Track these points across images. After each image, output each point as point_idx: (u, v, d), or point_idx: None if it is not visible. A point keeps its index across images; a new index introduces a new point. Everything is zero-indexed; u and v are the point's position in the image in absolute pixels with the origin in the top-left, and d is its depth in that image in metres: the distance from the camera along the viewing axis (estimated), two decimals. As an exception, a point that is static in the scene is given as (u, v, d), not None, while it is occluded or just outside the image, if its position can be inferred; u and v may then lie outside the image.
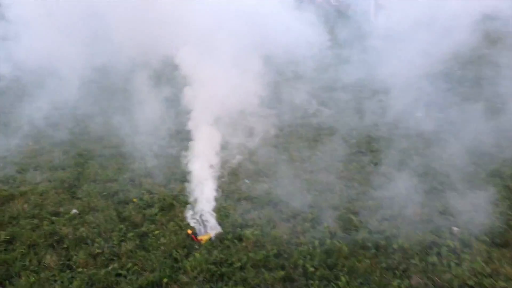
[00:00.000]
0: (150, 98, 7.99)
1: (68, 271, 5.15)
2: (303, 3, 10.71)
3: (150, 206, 6.51)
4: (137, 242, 5.64)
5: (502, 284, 4.91)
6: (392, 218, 6.08)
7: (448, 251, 5.38)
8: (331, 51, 11.00)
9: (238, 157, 7.00)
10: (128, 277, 5.06)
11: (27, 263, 5.26)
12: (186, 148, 6.32)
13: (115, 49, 7.26)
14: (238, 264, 5.19)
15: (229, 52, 6.02)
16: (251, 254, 5.32)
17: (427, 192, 6.70)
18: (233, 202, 6.59)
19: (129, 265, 5.21)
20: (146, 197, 6.74)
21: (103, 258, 5.35)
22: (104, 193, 6.86)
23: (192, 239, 5.65)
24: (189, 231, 5.74)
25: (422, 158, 7.81)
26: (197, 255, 5.33)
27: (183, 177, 6.81)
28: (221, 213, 6.21)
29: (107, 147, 8.65)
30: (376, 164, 7.75)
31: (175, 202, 6.50)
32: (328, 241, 5.56)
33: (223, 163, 6.47)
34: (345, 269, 5.13)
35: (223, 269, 5.12)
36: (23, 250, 5.47)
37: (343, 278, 4.98)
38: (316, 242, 5.53)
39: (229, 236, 5.70)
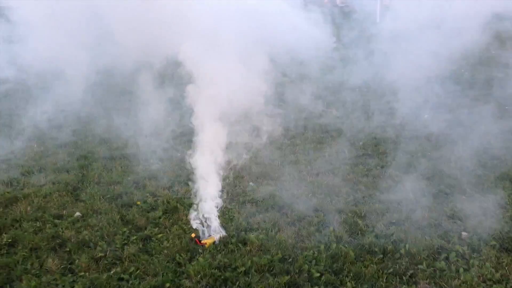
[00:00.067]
0: (154, 99, 7.93)
1: (70, 275, 5.08)
2: (309, 4, 10.66)
3: (154, 209, 6.43)
4: (140, 245, 5.56)
5: (512, 290, 4.81)
6: (399, 222, 5.98)
7: (457, 257, 5.26)
8: (337, 52, 10.94)
9: (242, 158, 6.92)
10: (131, 282, 4.98)
11: (28, 266, 5.18)
12: (191, 148, 6.22)
13: (119, 50, 7.19)
14: (242, 269, 5.10)
15: (234, 50, 5.95)
16: (255, 259, 5.23)
17: (435, 196, 6.60)
18: (237, 205, 6.51)
19: (132, 269, 5.13)
20: (150, 200, 6.68)
21: (106, 262, 5.27)
22: (108, 196, 6.79)
23: (195, 243, 5.57)
24: (193, 235, 5.66)
25: (430, 160, 7.72)
26: (200, 259, 5.25)
27: (188, 179, 6.75)
28: (226, 216, 6.14)
29: (111, 149, 8.60)
30: (383, 166, 7.65)
31: (179, 205, 6.42)
32: (334, 245, 5.46)
33: (228, 164, 6.38)
34: (351, 274, 5.02)
35: (227, 274, 5.03)
36: (25, 254, 5.40)
37: (349, 284, 4.88)
38: (322, 247, 5.44)
39: (233, 240, 5.61)
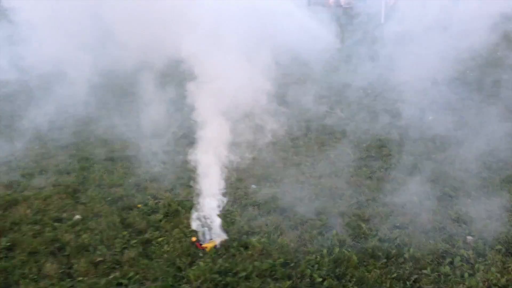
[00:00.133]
0: (156, 101, 7.86)
1: (68, 279, 5.00)
2: (313, 5, 10.59)
3: (154, 212, 6.36)
4: (140, 249, 5.49)
5: (518, 296, 4.72)
6: (403, 226, 5.89)
7: (462, 261, 5.17)
8: (341, 53, 10.87)
9: (245, 159, 6.83)
10: (130, 287, 4.90)
11: (26, 271, 5.11)
12: (192, 147, 6.10)
13: (121, 50, 7.13)
14: (244, 274, 5.02)
15: (236, 49, 5.86)
16: (256, 263, 5.15)
17: (440, 199, 6.51)
18: (239, 207, 6.43)
19: (131, 273, 5.05)
20: (151, 202, 6.60)
21: (105, 266, 5.19)
22: (109, 198, 6.72)
23: (196, 246, 5.49)
24: (194, 239, 5.58)
25: (434, 163, 7.63)
26: (201, 263, 5.17)
27: (189, 180, 6.67)
28: (227, 219, 6.05)
29: (113, 151, 8.54)
30: (387, 169, 7.56)
31: (180, 208, 6.35)
32: (336, 249, 5.37)
33: (230, 164, 6.29)
34: (354, 279, 4.94)
35: (228, 279, 4.95)
36: (23, 258, 5.33)
37: (351, 289, 4.81)
38: (324, 251, 5.35)
39: (235, 244, 5.53)
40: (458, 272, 5.00)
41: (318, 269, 5.08)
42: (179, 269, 5.15)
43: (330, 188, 6.93)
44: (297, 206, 6.35)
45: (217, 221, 5.75)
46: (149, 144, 8.17)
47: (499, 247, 5.39)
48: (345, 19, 14.20)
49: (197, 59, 5.74)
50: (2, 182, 7.26)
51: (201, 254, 5.37)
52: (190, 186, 6.58)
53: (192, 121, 5.95)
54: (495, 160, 7.58)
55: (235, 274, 5.04)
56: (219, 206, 5.92)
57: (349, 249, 5.39)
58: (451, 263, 5.16)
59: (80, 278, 5.01)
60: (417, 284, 4.89)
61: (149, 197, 6.77)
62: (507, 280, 4.89)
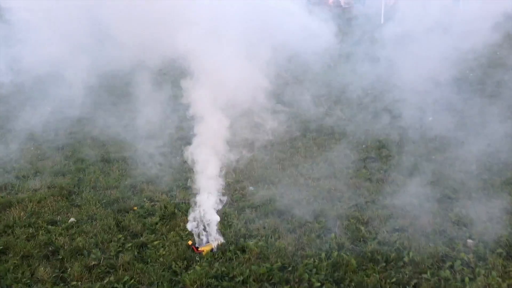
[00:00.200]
0: (153, 102, 7.78)
1: (62, 284, 4.91)
2: (313, 5, 10.50)
3: (151, 214, 6.27)
4: (136, 253, 5.39)
5: (520, 300, 4.63)
6: (402, 229, 5.81)
7: (462, 265, 5.07)
8: (340, 53, 10.78)
9: (242, 161, 6.73)
10: (124, 291, 4.83)
11: (19, 275, 5.01)
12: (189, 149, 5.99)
13: (117, 49, 7.03)
14: (240, 278, 4.93)
15: (235, 48, 5.77)
16: (254, 267, 5.06)
17: (440, 201, 6.42)
18: (236, 210, 6.34)
19: (126, 278, 4.95)
20: (147, 205, 6.52)
21: (99, 270, 5.09)
22: (104, 201, 6.63)
23: (192, 250, 5.40)
24: (190, 242, 5.49)
25: (434, 164, 7.54)
26: (197, 268, 5.08)
27: (186, 183, 6.58)
28: (224, 222, 5.96)
29: (109, 152, 8.44)
30: (386, 170, 7.47)
31: (176, 211, 6.26)
32: (335, 253, 5.28)
33: (227, 167, 6.18)
34: (353, 284, 4.85)
35: (224, 284, 4.86)
36: (16, 261, 5.23)
37: (350, 294, 4.72)
38: (323, 255, 5.26)
39: (232, 247, 5.44)
40: (458, 277, 4.91)
41: (316, 273, 4.99)
42: (175, 273, 5.06)
43: (329, 190, 6.84)
44: (295, 208, 6.26)
45: (214, 224, 5.65)
46: (145, 145, 8.08)
47: (500, 250, 5.30)
48: (344, 19, 14.13)
49: (195, 58, 5.65)
50: (-4, 184, 7.17)
51: (197, 258, 5.28)
52: (187, 188, 6.49)
53: (189, 121, 5.86)
54: (495, 162, 7.48)
55: (232, 278, 4.95)
56: (216, 208, 5.82)
57: (348, 253, 5.30)
58: (451, 267, 5.06)
59: (74, 283, 4.92)
60: (417, 289, 4.81)
61: (145, 199, 6.69)
62: (508, 285, 4.80)
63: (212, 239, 5.52)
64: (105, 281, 4.93)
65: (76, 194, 6.89)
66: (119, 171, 7.68)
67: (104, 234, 5.75)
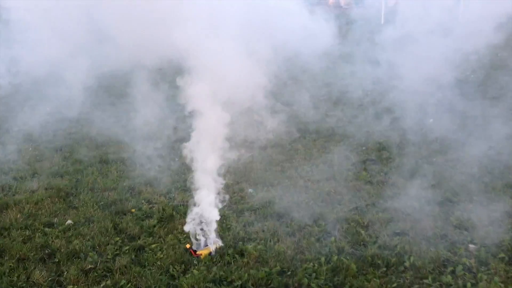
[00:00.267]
0: (152, 103, 7.72)
1: (58, 288, 4.86)
2: (313, 5, 10.45)
3: (148, 217, 6.20)
4: (133, 256, 5.32)
5: (522, 307, 4.56)
6: (403, 233, 5.73)
7: (464, 270, 5.00)
8: (340, 54, 10.72)
9: (241, 162, 6.67)
10: (121, 295, 4.76)
11: (15, 279, 4.94)
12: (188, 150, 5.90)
13: (115, 49, 6.97)
14: (239, 283, 4.86)
15: (235, 47, 5.71)
16: (252, 271, 4.98)
17: (441, 204, 6.35)
18: (235, 212, 6.27)
19: (123, 282, 4.88)
20: (145, 207, 6.45)
21: (96, 274, 5.02)
22: (102, 203, 6.56)
23: (190, 253, 5.33)
24: (188, 245, 5.42)
25: (435, 167, 7.47)
26: (195, 272, 5.01)
27: (185, 185, 6.51)
28: (223, 225, 5.89)
29: (107, 153, 8.38)
30: (387, 173, 7.40)
31: (175, 213, 6.19)
32: (335, 257, 5.21)
33: (226, 169, 6.10)
34: (353, 289, 4.79)
35: (222, 288, 4.80)
36: (12, 264, 5.16)
37: (350, 299, 4.66)
38: (322, 259, 5.18)
39: (230, 251, 5.36)
40: (460, 282, 4.84)
41: (316, 278, 4.92)
42: (173, 277, 4.99)
43: (329, 193, 6.77)
44: (294, 211, 6.20)
45: (213, 222, 5.56)
46: (144, 147, 8.01)
47: (502, 255, 5.22)
48: (344, 19, 14.09)
49: (194, 57, 5.59)
50: (-7, 185, 7.11)
51: (195, 262, 5.21)
52: (186, 190, 6.42)
53: (187, 120, 5.78)
54: (497, 164, 7.41)
55: (230, 283, 4.88)
56: (216, 206, 5.73)
57: (348, 257, 5.23)
58: (453, 272, 4.99)
59: (70, 287, 4.85)
60: (418, 294, 4.74)
61: (143, 201, 6.62)
62: (511, 290, 4.75)
63: (210, 241, 5.44)
64: (101, 285, 4.87)
65: (74, 195, 6.82)
66: (117, 172, 7.61)
67: (101, 237, 5.68)
